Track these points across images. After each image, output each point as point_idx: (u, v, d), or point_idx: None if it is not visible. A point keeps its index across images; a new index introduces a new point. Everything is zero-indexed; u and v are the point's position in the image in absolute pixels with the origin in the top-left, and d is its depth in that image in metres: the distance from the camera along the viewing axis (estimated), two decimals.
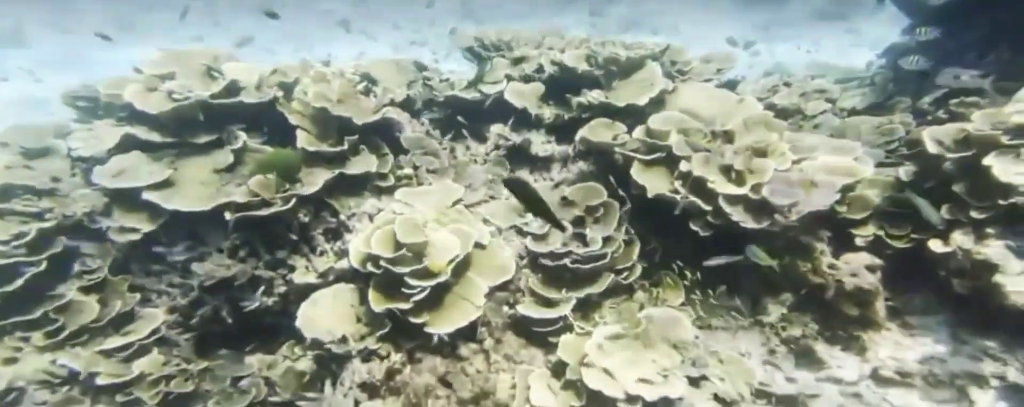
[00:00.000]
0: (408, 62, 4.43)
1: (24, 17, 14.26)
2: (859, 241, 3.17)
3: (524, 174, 3.76)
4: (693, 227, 2.97)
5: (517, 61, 4.15)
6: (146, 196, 3.13)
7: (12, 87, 10.18)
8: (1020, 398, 2.59)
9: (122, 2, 16.72)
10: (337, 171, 3.41)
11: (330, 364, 2.94)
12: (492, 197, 3.56)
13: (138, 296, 3.24)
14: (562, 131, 3.82)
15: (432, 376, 2.74)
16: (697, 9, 15.63)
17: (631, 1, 16.52)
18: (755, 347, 3.03)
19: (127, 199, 3.24)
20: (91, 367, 2.97)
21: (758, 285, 3.11)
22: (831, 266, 2.99)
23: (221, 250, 3.25)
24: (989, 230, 2.83)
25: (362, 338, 2.85)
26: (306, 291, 3.11)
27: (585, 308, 3.08)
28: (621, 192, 3.23)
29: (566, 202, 3.32)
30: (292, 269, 3.32)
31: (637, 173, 3.11)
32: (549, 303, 3.01)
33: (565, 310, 2.93)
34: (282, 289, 3.31)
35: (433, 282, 2.76)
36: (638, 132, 3.29)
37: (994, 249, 2.77)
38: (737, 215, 2.85)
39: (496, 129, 3.87)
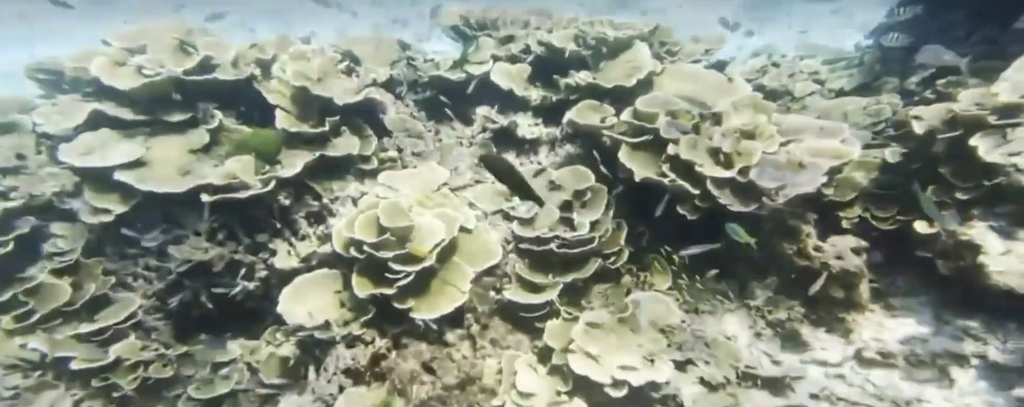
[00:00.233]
0: (391, 41, 4.31)
1: None
2: (845, 223, 3.18)
3: (511, 157, 3.70)
4: (681, 211, 2.95)
5: (504, 41, 4.05)
6: (118, 176, 3.01)
7: None
8: (999, 376, 2.63)
9: None
10: (318, 153, 3.32)
11: (313, 350, 2.89)
12: (478, 181, 3.50)
13: (113, 279, 3.15)
14: (550, 113, 3.75)
15: (417, 362, 2.71)
16: None
17: None
18: (741, 330, 3.04)
19: (98, 179, 3.11)
20: (64, 351, 2.88)
21: (745, 269, 3.11)
22: (817, 249, 2.99)
23: (198, 233, 3.16)
24: (973, 211, 2.85)
25: (346, 324, 2.80)
26: (289, 276, 3.04)
27: (572, 293, 3.06)
28: (604, 169, 3.17)
29: (553, 186, 3.28)
30: (273, 253, 3.25)
31: (625, 156, 3.07)
32: (536, 288, 2.98)
33: (552, 295, 2.91)
34: (264, 274, 3.24)
35: (418, 267, 2.71)
36: (626, 114, 3.24)
37: (978, 230, 2.79)
38: (725, 198, 2.83)
39: (482, 111, 3.79)
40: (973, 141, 2.83)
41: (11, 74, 4.29)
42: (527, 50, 3.96)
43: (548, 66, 3.83)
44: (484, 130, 3.78)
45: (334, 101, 3.37)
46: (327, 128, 3.34)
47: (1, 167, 3.13)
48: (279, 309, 2.84)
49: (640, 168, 3.00)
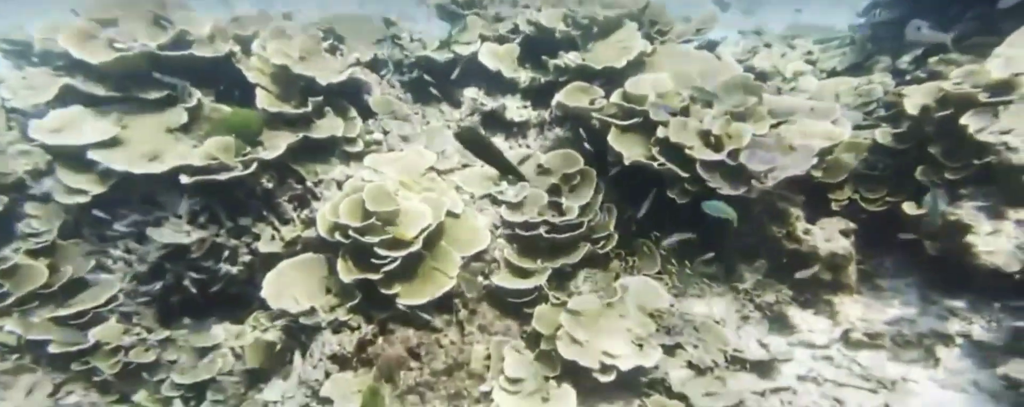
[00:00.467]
0: (376, 18, 4.19)
1: None
2: (834, 206, 3.17)
3: (499, 140, 3.63)
4: (670, 195, 2.91)
5: (493, 20, 3.95)
6: (92, 155, 2.90)
7: None
8: (983, 355, 2.66)
9: None
10: (301, 134, 3.23)
11: (299, 335, 2.85)
12: (465, 164, 3.43)
13: (92, 262, 3.07)
14: (539, 95, 3.68)
15: (404, 348, 2.68)
16: None
17: None
18: (729, 313, 3.03)
19: (73, 158, 2.99)
20: (40, 334, 2.81)
21: (734, 252, 3.10)
22: (806, 232, 2.98)
23: (179, 216, 3.07)
24: (962, 191, 2.85)
25: (332, 309, 2.76)
26: (273, 260, 2.98)
27: (561, 278, 3.03)
28: (592, 150, 3.11)
29: (542, 170, 3.22)
30: (257, 237, 3.18)
31: (614, 139, 3.02)
32: (524, 273, 2.94)
33: (540, 280, 2.87)
34: (247, 258, 3.18)
35: (404, 253, 2.66)
36: (615, 96, 3.18)
37: (967, 210, 2.79)
38: (714, 181, 2.79)
39: (470, 93, 3.71)
40: (964, 120, 2.81)
41: None
42: (516, 30, 3.87)
43: (538, 46, 3.75)
44: (472, 112, 3.70)
45: (317, 80, 3.28)
46: (310, 109, 3.25)
47: None
48: (263, 294, 2.79)
49: (629, 151, 2.95)
